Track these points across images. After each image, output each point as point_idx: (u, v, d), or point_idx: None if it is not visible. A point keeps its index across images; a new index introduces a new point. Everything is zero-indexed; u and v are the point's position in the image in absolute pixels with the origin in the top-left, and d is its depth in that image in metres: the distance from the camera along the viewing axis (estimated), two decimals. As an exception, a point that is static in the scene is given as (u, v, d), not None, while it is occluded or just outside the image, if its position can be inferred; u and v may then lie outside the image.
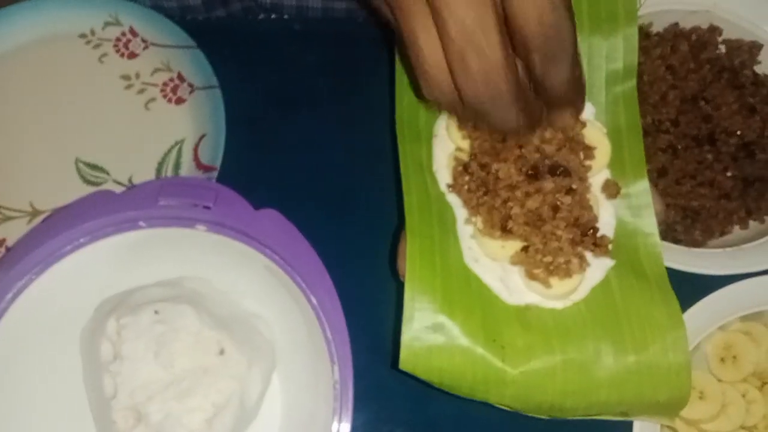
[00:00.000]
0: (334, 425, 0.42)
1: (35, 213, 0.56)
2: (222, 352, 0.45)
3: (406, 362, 0.43)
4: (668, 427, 0.49)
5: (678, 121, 0.55)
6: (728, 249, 0.50)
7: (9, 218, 0.56)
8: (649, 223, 0.47)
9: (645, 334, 0.44)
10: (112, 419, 0.43)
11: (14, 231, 0.55)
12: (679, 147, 0.54)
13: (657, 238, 0.46)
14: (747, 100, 0.56)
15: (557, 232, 0.45)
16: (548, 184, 0.45)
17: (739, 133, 0.55)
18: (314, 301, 0.44)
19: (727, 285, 0.49)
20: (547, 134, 0.46)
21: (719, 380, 0.49)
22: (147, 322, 0.43)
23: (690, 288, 0.48)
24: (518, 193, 0.45)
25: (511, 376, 0.43)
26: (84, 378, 0.47)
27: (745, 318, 0.50)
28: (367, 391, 0.49)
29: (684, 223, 0.53)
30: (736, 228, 0.54)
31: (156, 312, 0.44)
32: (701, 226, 0.53)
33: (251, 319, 0.49)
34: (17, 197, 0.57)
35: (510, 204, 0.45)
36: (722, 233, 0.54)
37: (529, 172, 0.45)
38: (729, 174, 0.54)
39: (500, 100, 0.37)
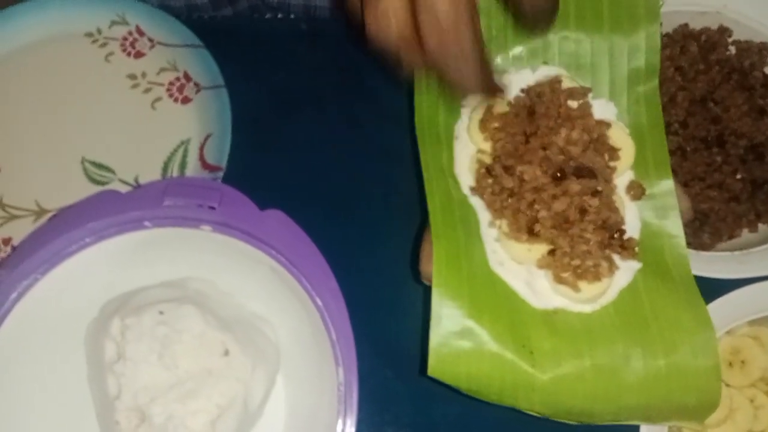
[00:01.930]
0: (339, 427, 0.42)
1: (41, 212, 0.56)
2: (226, 353, 0.45)
3: (435, 369, 0.42)
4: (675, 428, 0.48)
5: (687, 123, 0.54)
6: (737, 252, 0.49)
7: (15, 217, 0.56)
8: (674, 224, 0.46)
9: (674, 337, 0.43)
10: (115, 420, 0.43)
11: (20, 230, 0.55)
12: (688, 149, 0.54)
13: (682, 239, 0.46)
14: (756, 102, 0.55)
15: (585, 235, 0.44)
16: (574, 186, 0.45)
17: (748, 135, 0.54)
18: (319, 303, 0.44)
19: (735, 289, 0.48)
20: (574, 135, 0.46)
21: (727, 385, 0.49)
22: (150, 323, 0.43)
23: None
24: (544, 196, 0.45)
25: (541, 381, 0.43)
26: (88, 378, 0.47)
27: (753, 322, 0.49)
28: (371, 393, 0.49)
29: (692, 225, 0.53)
30: (745, 231, 0.53)
31: (161, 312, 0.44)
32: (710, 229, 0.53)
33: (256, 321, 0.49)
34: (23, 196, 0.57)
35: (536, 207, 0.45)
36: (731, 236, 0.53)
37: (557, 174, 0.45)
38: (738, 176, 0.54)
39: (465, 54, 0.37)
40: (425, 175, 0.47)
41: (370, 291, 0.51)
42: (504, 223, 0.45)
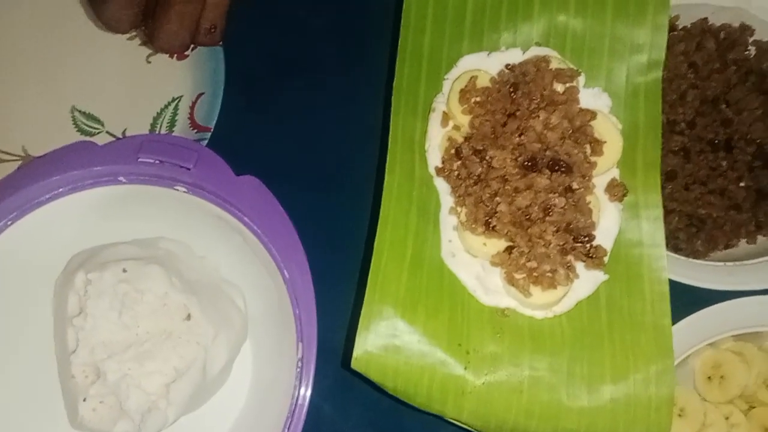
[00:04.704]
0: (293, 402, 0.41)
1: (27, 158, 0.56)
2: (188, 317, 0.44)
3: (359, 360, 0.41)
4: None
5: (694, 123, 0.52)
6: (729, 263, 0.47)
7: (0, 161, 0.56)
8: (657, 233, 0.43)
9: (627, 361, 0.41)
10: (71, 374, 0.42)
11: (4, 174, 0.54)
12: (693, 150, 0.51)
13: (663, 251, 0.43)
14: (772, 107, 0.52)
15: (545, 237, 0.42)
16: (542, 180, 0.42)
17: (759, 141, 0.51)
18: (286, 275, 0.43)
19: (722, 301, 0.46)
20: (553, 119, 0.43)
21: (703, 399, 0.47)
22: (112, 280, 0.42)
23: (684, 299, 0.45)
24: (509, 188, 0.42)
25: (472, 386, 0.41)
26: (54, 329, 0.47)
27: (738, 337, 0.47)
28: (338, 370, 0.48)
29: (687, 231, 0.50)
30: (743, 242, 0.51)
31: (124, 270, 0.43)
32: (705, 236, 0.50)
33: (226, 288, 0.48)
34: (10, 140, 0.56)
35: (498, 199, 0.42)
36: (727, 246, 0.50)
37: (526, 163, 0.42)
38: (742, 184, 0.51)
39: None
40: (390, 148, 0.44)
41: (345, 267, 0.49)
42: (463, 212, 0.43)
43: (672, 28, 0.53)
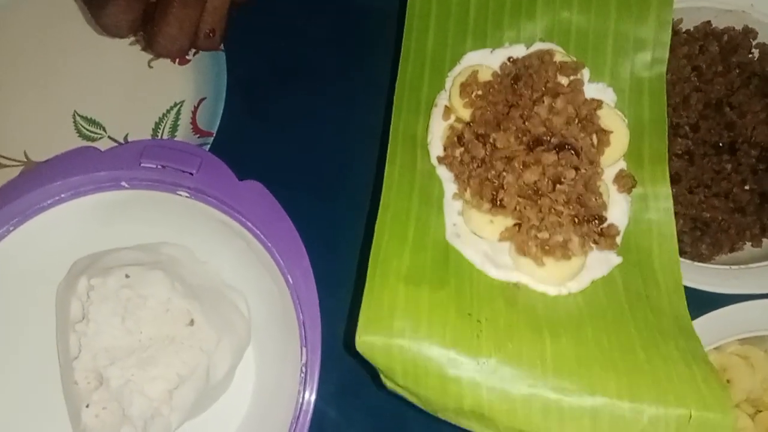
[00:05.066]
0: (297, 407, 0.41)
1: (29, 163, 0.56)
2: (191, 322, 0.43)
3: (363, 344, 0.38)
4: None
5: (698, 126, 0.51)
6: (734, 267, 0.47)
7: (2, 166, 0.55)
8: (667, 225, 0.43)
9: (654, 338, 0.38)
10: (74, 380, 0.42)
11: (6, 180, 0.54)
12: (697, 153, 0.51)
13: (675, 242, 0.43)
14: (776, 110, 0.52)
15: (557, 207, 0.40)
16: (550, 156, 0.41)
17: (763, 144, 0.51)
18: (290, 280, 0.43)
19: (728, 304, 0.46)
20: (558, 103, 0.43)
21: (709, 403, 0.46)
22: (115, 285, 0.42)
23: (689, 303, 0.45)
24: (516, 164, 0.41)
25: (487, 353, 0.37)
26: (56, 335, 0.47)
27: (743, 341, 0.47)
28: (340, 375, 0.48)
29: (692, 234, 0.50)
30: (748, 245, 0.51)
31: (127, 276, 0.43)
32: (710, 239, 0.50)
33: (229, 293, 0.48)
34: (12, 146, 0.56)
35: (504, 174, 0.41)
36: (732, 249, 0.50)
37: (531, 143, 0.42)
38: (747, 187, 0.51)
39: None
40: (390, 143, 0.44)
41: (346, 272, 0.49)
42: (468, 192, 0.42)
43: (675, 31, 0.53)
